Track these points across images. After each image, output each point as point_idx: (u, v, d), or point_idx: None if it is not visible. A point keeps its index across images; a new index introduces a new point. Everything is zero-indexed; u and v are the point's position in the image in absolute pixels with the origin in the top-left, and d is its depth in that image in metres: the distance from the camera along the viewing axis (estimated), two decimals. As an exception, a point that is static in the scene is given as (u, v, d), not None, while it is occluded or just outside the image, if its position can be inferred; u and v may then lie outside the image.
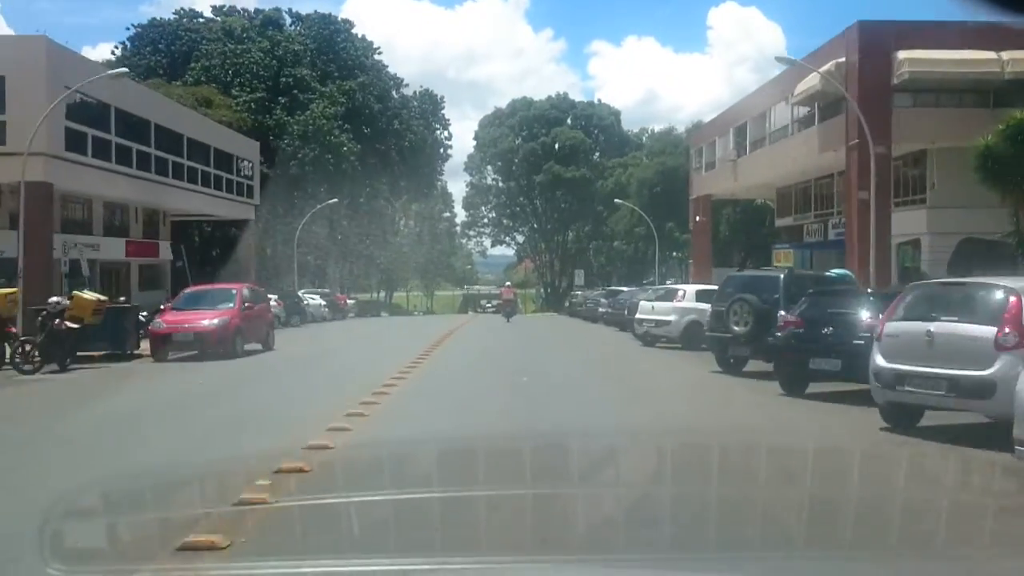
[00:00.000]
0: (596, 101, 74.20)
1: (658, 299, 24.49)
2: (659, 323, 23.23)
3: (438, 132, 67.47)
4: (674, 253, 56.13)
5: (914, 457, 6.66)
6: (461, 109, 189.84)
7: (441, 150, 68.40)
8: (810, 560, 2.51)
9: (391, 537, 2.78)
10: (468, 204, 76.34)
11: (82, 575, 2.32)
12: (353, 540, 2.77)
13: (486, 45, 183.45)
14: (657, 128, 72.05)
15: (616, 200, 56.97)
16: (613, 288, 40.25)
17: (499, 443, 4.83)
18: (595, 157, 70.76)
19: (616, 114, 73.71)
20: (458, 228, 79.39)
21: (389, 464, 3.52)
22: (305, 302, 40.28)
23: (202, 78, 59.71)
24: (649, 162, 59.93)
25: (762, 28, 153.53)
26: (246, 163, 45.94)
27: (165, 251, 41.79)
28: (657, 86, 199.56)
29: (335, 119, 59.05)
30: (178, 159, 37.12)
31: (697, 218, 45.30)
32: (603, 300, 36.15)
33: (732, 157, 39.11)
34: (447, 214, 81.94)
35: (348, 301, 51.01)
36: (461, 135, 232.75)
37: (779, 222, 42.28)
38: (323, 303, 43.59)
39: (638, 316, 25.09)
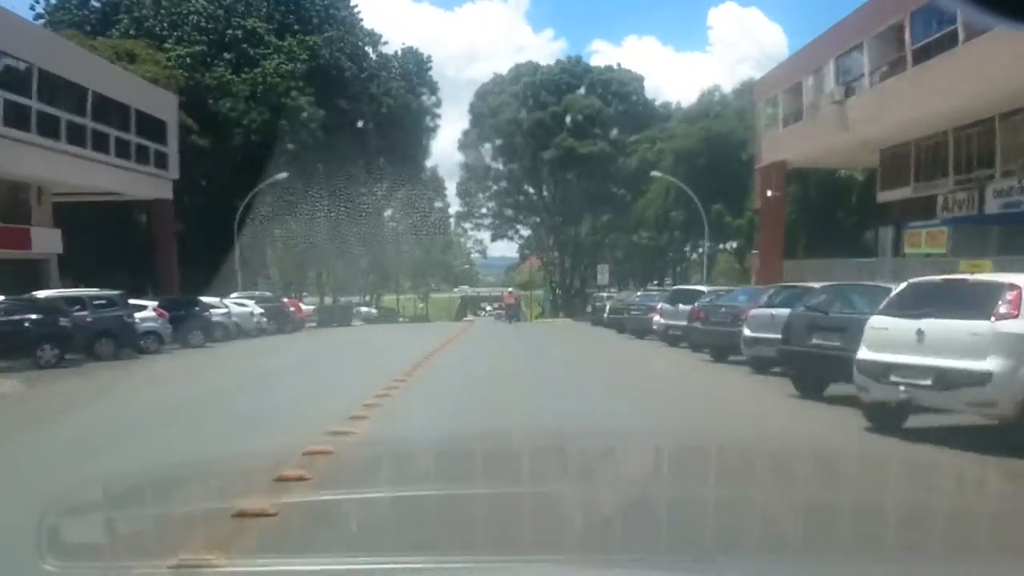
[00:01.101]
0: (615, 65, 61.98)
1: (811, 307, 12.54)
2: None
3: (424, 98, 55.59)
4: (723, 245, 44.12)
5: None
6: (460, 108, 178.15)
7: (428, 120, 56.52)
8: (810, 564, 2.47)
9: (390, 536, 2.79)
10: (463, 191, 64.31)
11: (79, 570, 2.30)
12: (352, 539, 2.77)
13: (486, 45, 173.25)
14: (684, 103, 60.33)
15: (653, 173, 44.63)
16: (686, 287, 28.13)
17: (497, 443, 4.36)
18: (614, 134, 58.63)
19: (639, 80, 61.65)
20: (452, 220, 67.30)
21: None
22: (226, 310, 28.29)
23: (132, 31, 48.01)
24: (689, 129, 47.72)
25: (763, 28, 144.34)
26: (156, 124, 33.98)
27: (43, 241, 29.87)
28: (659, 84, 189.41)
29: (293, 78, 47.06)
30: (45, 107, 25.40)
31: (769, 193, 33.31)
32: (667, 306, 24.14)
33: (837, 98, 27.13)
34: (439, 204, 69.90)
35: (304, 307, 38.96)
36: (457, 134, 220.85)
37: (884, 195, 30.16)
38: (257, 311, 31.49)
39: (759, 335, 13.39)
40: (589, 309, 38.02)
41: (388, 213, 66.67)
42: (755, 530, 2.74)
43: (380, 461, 4.28)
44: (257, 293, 36.83)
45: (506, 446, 4.19)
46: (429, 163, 66.43)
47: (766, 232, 34.59)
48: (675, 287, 31.03)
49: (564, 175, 59.11)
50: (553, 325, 46.23)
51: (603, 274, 46.86)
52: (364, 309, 59.61)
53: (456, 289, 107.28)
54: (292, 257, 53.23)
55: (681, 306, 22.87)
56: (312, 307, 44.05)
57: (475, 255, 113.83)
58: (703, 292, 23.37)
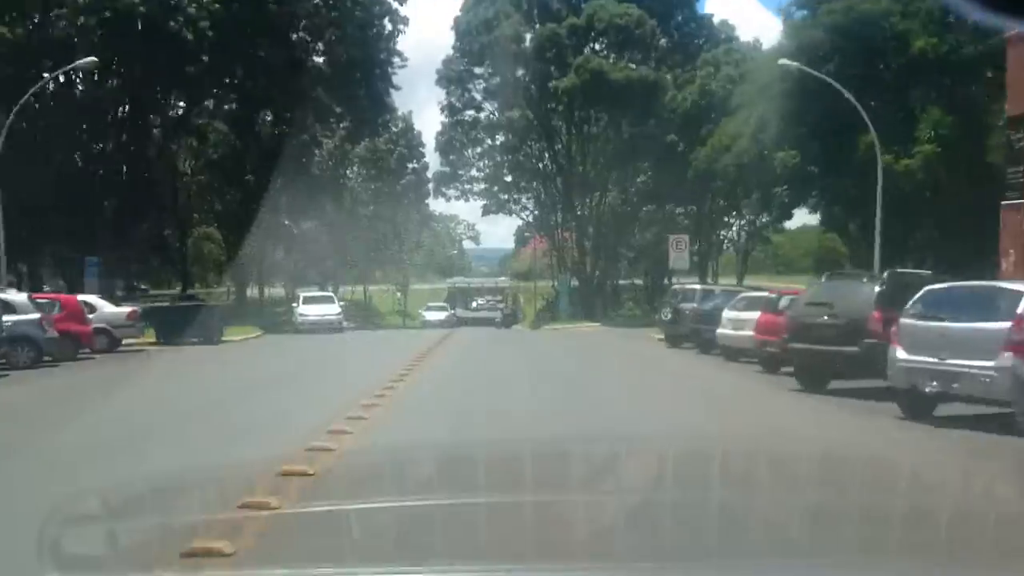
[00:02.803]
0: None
1: None
2: None
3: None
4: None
5: None
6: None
7: (391, 31, 39.01)
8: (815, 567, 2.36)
9: (392, 545, 2.78)
10: (445, 145, 46.58)
11: None
12: (354, 548, 2.60)
13: None
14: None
15: (781, 62, 25.72)
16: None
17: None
18: (652, 61, 40.97)
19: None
20: (431, 186, 49.38)
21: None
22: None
23: None
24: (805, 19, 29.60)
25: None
26: None
27: None
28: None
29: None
30: None
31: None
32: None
33: None
34: (413, 164, 52.25)
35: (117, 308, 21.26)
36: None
37: None
38: (34, 317, 14.25)
39: None
40: (665, 315, 20.57)
41: (344, 178, 49.13)
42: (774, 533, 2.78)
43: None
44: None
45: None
46: (400, 107, 48.90)
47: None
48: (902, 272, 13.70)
49: (587, 111, 41.50)
50: (578, 338, 28.97)
51: (680, 252, 28.68)
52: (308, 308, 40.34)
53: (448, 281, 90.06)
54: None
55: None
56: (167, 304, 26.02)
57: (466, 241, 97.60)
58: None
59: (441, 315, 48.31)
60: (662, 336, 22.09)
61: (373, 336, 31.08)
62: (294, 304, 34.04)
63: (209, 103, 45.86)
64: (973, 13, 1.74)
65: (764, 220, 47.03)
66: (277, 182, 45.08)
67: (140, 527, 2.68)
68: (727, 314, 15.69)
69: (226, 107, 44.80)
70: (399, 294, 74.28)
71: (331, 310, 30.96)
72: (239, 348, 22.54)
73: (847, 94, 20.52)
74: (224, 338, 23.04)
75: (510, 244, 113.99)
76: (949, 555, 2.47)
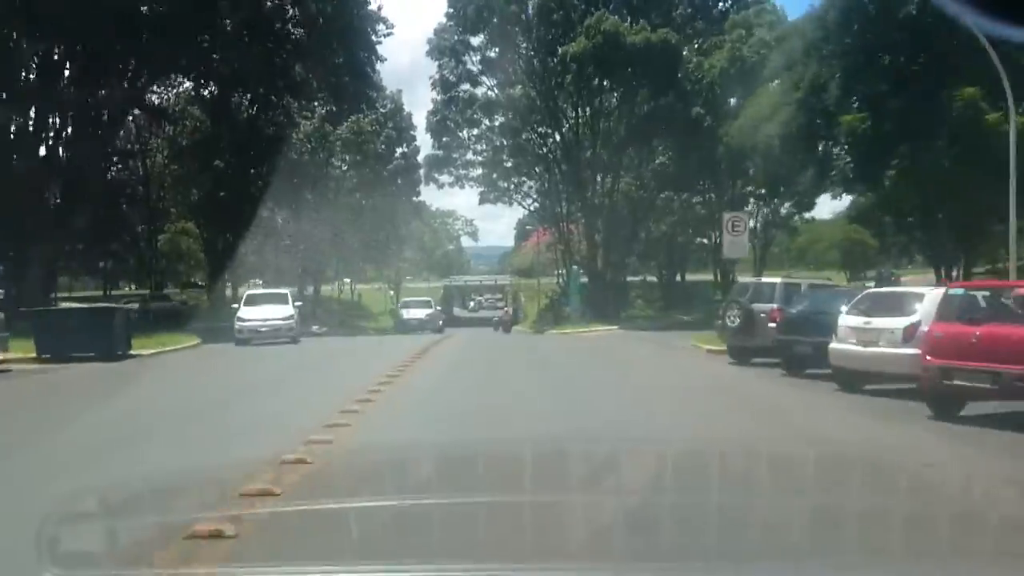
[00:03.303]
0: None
1: None
2: None
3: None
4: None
5: None
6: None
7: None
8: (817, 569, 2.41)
9: (390, 544, 2.71)
10: (437, 127, 41.48)
11: None
12: (352, 546, 2.62)
13: None
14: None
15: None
16: None
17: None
18: (672, 26, 35.83)
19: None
20: (422, 172, 44.21)
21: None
22: None
23: None
24: None
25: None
26: None
27: None
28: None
29: None
30: None
31: None
32: None
33: None
34: (403, 149, 47.16)
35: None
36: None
37: None
38: None
39: None
40: (732, 319, 15.20)
41: (327, 166, 44.08)
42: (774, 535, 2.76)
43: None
44: None
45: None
46: (389, 86, 43.85)
47: None
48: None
49: (598, 86, 36.44)
50: (599, 347, 23.63)
51: (736, 235, 22.78)
52: (250, 312, 29.67)
53: (446, 280, 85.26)
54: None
55: None
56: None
57: (464, 237, 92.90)
58: None
59: (421, 313, 37.46)
60: (713, 346, 16.96)
61: (333, 348, 23.83)
62: (234, 305, 27.24)
63: (179, 82, 41.23)
64: (966, 16, 1.74)
65: (787, 208, 42.21)
66: (253, 169, 40.42)
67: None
68: (847, 321, 10.59)
69: (193, 85, 39.98)
70: (392, 292, 69.32)
71: (279, 313, 23.87)
72: (132, 369, 16.61)
73: (983, 38, 15.06)
74: (134, 351, 17.79)
75: (510, 242, 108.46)
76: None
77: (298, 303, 27.96)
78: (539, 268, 72.78)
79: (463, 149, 41.86)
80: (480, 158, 42.71)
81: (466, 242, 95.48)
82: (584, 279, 40.48)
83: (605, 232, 40.27)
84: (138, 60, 32.78)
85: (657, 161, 39.57)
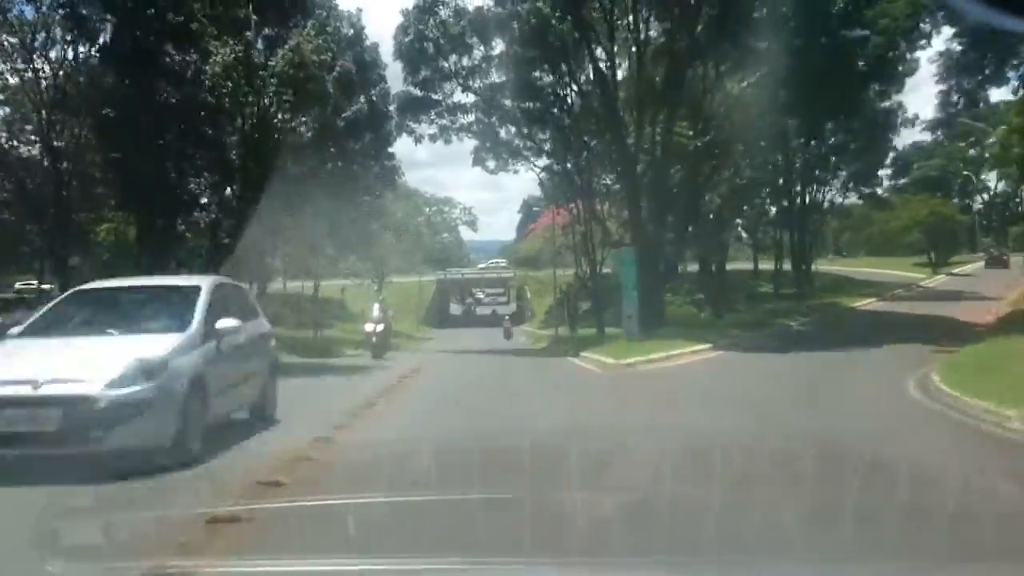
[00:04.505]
0: None
1: None
2: None
3: None
4: None
5: None
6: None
7: None
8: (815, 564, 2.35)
9: (388, 538, 2.69)
10: (409, 52, 28.97)
11: (81, 571, 2.27)
12: (350, 541, 2.65)
13: None
14: None
15: None
16: None
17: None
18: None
19: None
20: (392, 111, 31.43)
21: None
22: None
23: None
24: None
25: None
26: None
27: None
28: None
29: None
30: None
31: None
32: None
33: None
34: (372, 95, 34.41)
35: None
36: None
37: None
38: None
39: None
40: None
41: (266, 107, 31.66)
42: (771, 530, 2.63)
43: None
44: None
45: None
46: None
47: None
48: None
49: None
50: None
51: None
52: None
53: (441, 272, 74.17)
54: None
55: None
56: None
57: (462, 227, 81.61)
58: None
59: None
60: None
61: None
62: None
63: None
64: (975, 12, 1.76)
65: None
66: (157, 122, 28.56)
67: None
68: None
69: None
70: (376, 289, 57.43)
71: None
72: None
73: None
74: None
75: (511, 235, 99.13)
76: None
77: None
78: (545, 259, 60.87)
79: (445, 79, 29.24)
80: (473, 98, 30.24)
81: (465, 234, 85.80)
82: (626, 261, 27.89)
83: (655, 198, 27.70)
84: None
85: (744, 84, 27.07)
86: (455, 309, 76.22)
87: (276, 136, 30.74)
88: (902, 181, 48.43)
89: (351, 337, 45.80)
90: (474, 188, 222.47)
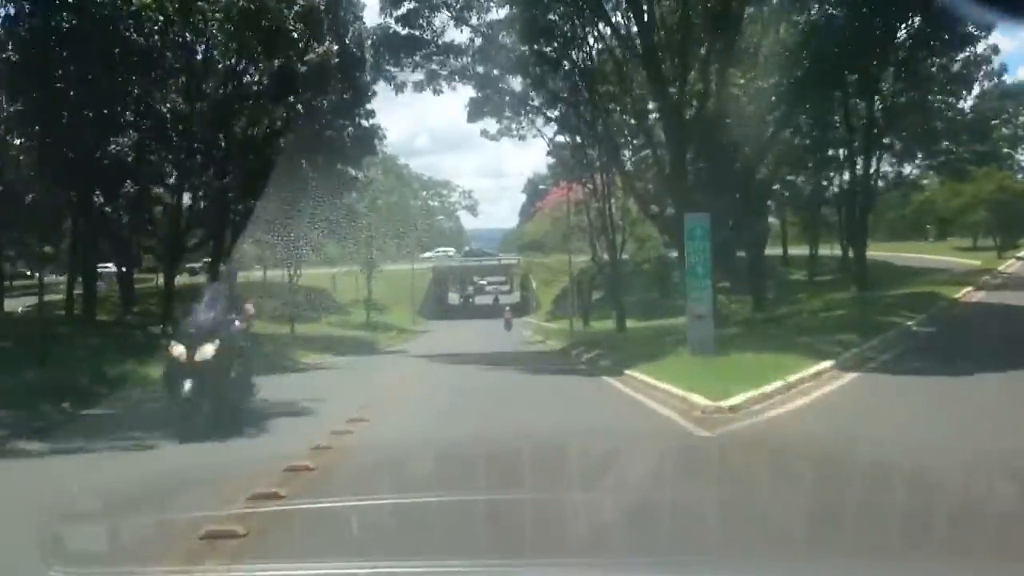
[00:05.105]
0: None
1: None
2: None
3: None
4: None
5: None
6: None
7: None
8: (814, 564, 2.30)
9: (390, 540, 2.66)
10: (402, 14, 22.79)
11: None
12: (353, 543, 2.63)
13: None
14: None
15: None
16: None
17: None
18: None
19: None
20: (368, 61, 25.21)
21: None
22: None
23: None
24: None
25: None
26: None
27: None
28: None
29: None
30: None
31: None
32: None
33: None
34: (344, 39, 28.21)
35: None
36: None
37: None
38: None
39: None
40: None
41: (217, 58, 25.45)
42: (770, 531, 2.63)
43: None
44: None
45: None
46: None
47: None
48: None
49: None
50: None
51: None
52: None
53: (428, 254, 69.00)
54: None
55: None
56: None
57: (461, 212, 76.48)
58: None
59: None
60: None
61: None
62: None
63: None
64: (972, 12, 1.58)
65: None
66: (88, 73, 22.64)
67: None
68: None
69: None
70: (366, 276, 51.68)
71: None
72: None
73: None
74: None
75: (513, 223, 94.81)
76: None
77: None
78: (552, 243, 54.99)
79: (434, 10, 22.90)
80: (469, 39, 23.99)
81: (466, 223, 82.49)
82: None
83: (704, 159, 21.45)
84: None
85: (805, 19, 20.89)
86: (453, 299, 70.59)
87: (222, 86, 24.57)
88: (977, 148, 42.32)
89: (336, 332, 39.84)
90: (475, 176, 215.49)
